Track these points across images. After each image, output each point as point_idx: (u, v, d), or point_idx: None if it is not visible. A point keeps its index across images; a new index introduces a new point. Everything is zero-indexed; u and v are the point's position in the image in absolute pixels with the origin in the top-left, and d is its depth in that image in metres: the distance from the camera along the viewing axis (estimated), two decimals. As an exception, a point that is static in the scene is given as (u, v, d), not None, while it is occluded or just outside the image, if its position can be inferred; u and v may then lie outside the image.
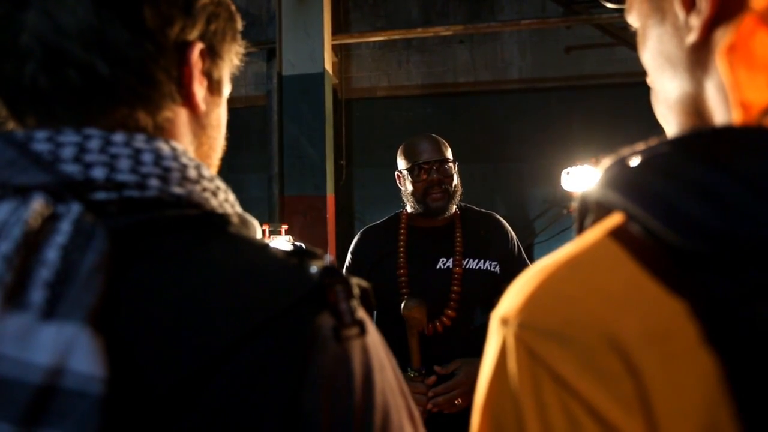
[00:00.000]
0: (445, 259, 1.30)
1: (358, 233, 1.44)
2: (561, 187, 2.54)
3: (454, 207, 1.33)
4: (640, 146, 0.29)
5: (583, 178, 2.41)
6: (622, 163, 0.28)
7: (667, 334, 0.24)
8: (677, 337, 0.24)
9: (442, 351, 1.28)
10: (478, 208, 1.42)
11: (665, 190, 0.25)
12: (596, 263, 0.27)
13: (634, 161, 0.28)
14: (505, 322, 0.28)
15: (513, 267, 1.30)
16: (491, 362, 0.28)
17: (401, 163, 1.36)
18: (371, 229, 1.43)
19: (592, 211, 0.30)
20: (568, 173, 2.47)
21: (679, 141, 0.27)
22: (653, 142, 0.29)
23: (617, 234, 0.28)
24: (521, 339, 0.27)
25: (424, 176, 1.30)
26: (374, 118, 3.55)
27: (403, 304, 1.21)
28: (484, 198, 3.30)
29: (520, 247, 1.38)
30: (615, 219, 0.28)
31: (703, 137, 0.27)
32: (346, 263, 1.42)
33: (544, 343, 0.26)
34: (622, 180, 0.28)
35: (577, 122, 3.24)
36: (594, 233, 0.29)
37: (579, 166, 2.46)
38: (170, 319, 0.29)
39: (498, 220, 1.39)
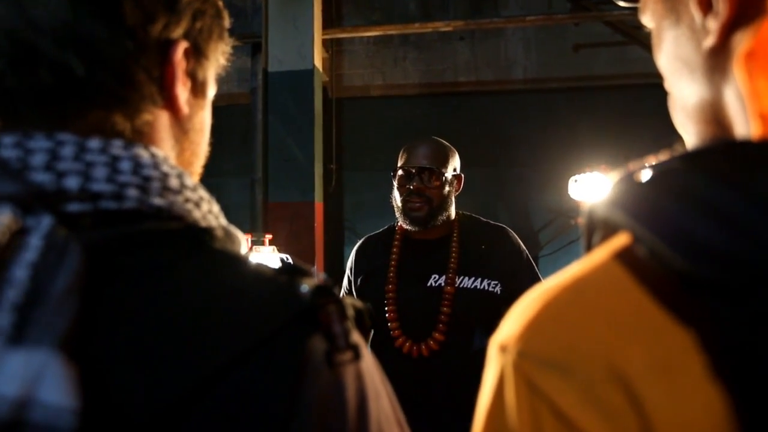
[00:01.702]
0: (437, 276, 1.30)
1: (357, 244, 1.46)
2: (568, 195, 2.56)
3: (450, 216, 1.33)
4: (650, 160, 0.29)
5: (592, 185, 2.43)
6: (629, 178, 0.29)
7: (672, 366, 0.25)
8: (683, 368, 0.25)
9: (428, 377, 1.26)
10: (485, 219, 1.41)
11: (673, 210, 0.26)
12: (601, 288, 0.28)
13: (643, 177, 0.28)
14: (503, 349, 0.28)
15: (521, 286, 1.27)
16: (489, 392, 0.29)
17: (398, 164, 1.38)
18: (368, 240, 1.45)
19: (599, 228, 0.30)
20: (575, 180, 2.49)
21: (690, 156, 0.28)
22: (664, 155, 0.29)
23: (623, 256, 0.28)
24: (520, 369, 0.27)
25: (406, 182, 1.31)
26: (367, 119, 3.56)
27: None
28: (485, 206, 3.32)
29: (532, 264, 1.36)
30: (622, 239, 0.29)
31: (716, 153, 0.27)
32: (345, 276, 1.44)
33: (544, 373, 0.26)
34: (628, 198, 0.28)
35: (586, 125, 3.27)
36: (600, 254, 0.29)
37: (588, 173, 2.48)
38: (150, 343, 0.29)
39: (505, 233, 1.37)
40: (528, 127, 3.38)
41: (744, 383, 0.23)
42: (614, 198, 0.29)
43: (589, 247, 0.31)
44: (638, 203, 0.27)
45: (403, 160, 1.34)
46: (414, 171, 1.30)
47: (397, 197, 1.34)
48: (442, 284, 1.29)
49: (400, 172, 1.33)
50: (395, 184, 1.34)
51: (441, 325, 1.26)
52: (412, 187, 1.30)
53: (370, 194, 3.46)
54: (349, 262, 1.43)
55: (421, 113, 3.50)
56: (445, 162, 1.34)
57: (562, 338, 0.27)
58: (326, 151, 3.35)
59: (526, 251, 1.37)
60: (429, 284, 1.30)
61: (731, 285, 0.24)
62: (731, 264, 0.24)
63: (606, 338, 0.26)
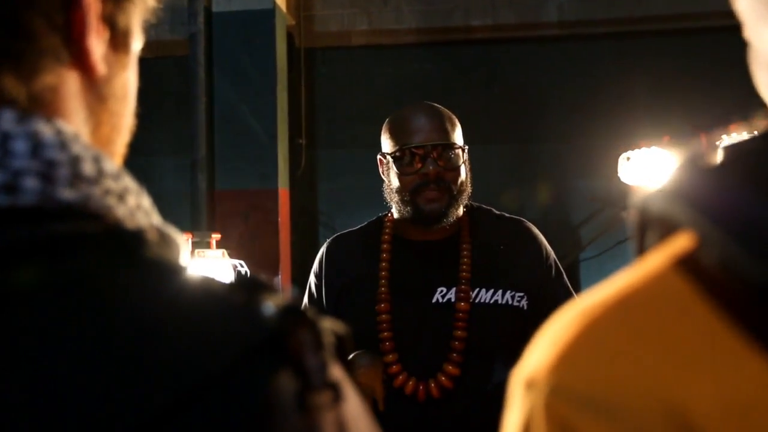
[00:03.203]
0: (445, 289, 1.30)
1: (324, 245, 1.44)
2: (618, 178, 2.59)
3: (460, 211, 1.33)
4: (723, 138, 0.30)
5: (650, 166, 2.45)
6: (695, 163, 0.30)
7: (751, 406, 0.26)
8: (763, 409, 0.26)
9: (440, 425, 1.26)
10: (498, 212, 1.42)
11: (754, 205, 0.27)
12: (657, 306, 0.29)
13: (714, 161, 0.29)
14: (530, 385, 0.29)
15: (548, 298, 1.29)
16: None
17: (386, 145, 1.36)
18: (342, 240, 1.43)
19: (655, 225, 0.31)
20: (628, 159, 2.51)
21: None
22: (742, 130, 0.30)
23: (686, 264, 0.29)
24: (553, 410, 0.28)
25: (418, 166, 1.29)
26: (348, 77, 3.56)
27: None
28: (506, 194, 3.34)
29: (560, 268, 1.38)
30: (684, 241, 0.30)
31: None
32: (307, 290, 1.43)
33: (584, 416, 0.27)
34: (693, 187, 0.29)
35: (642, 84, 3.29)
36: (655, 260, 0.30)
37: (644, 149, 2.50)
38: (59, 386, 0.29)
39: (527, 229, 1.39)
40: (564, 88, 3.39)
41: None
42: (675, 187, 0.30)
43: (641, 250, 0.32)
44: (707, 194, 0.28)
45: (402, 136, 1.32)
46: (432, 152, 1.28)
47: (398, 186, 1.31)
48: (453, 299, 1.28)
49: (400, 153, 1.30)
50: (394, 169, 1.32)
51: (455, 355, 1.26)
52: (428, 172, 1.28)
53: (352, 179, 3.46)
54: (316, 269, 1.41)
55: (420, 69, 3.50)
56: (456, 132, 1.33)
57: (606, 371, 0.27)
58: (293, 121, 3.34)
59: (551, 251, 1.38)
60: (435, 300, 1.30)
61: None
62: None
63: (664, 371, 0.27)
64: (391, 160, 1.33)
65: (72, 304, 0.31)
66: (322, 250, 1.43)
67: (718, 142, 0.30)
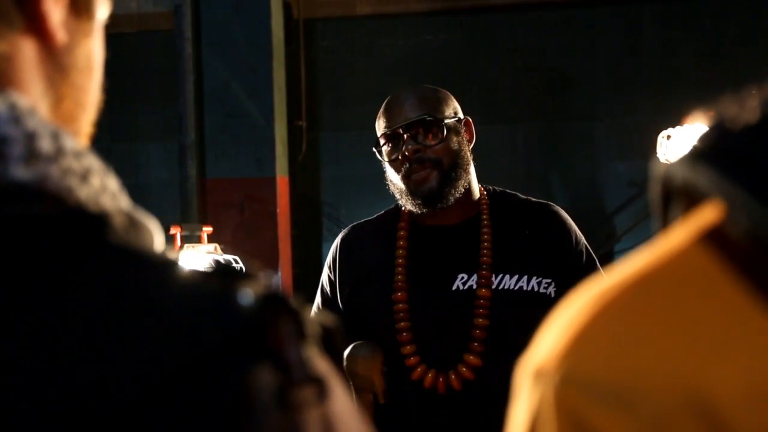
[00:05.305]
0: (465, 276, 1.34)
1: (339, 235, 1.50)
2: (657, 159, 2.57)
3: (462, 188, 1.36)
4: (753, 98, 0.30)
5: (692, 145, 2.43)
6: (722, 124, 0.30)
7: None
8: None
9: (461, 420, 1.29)
10: (524, 196, 1.45)
11: None
12: (679, 285, 0.29)
13: (742, 121, 0.29)
14: (539, 375, 0.29)
15: (578, 287, 1.31)
16: None
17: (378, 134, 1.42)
18: (358, 230, 1.49)
19: (678, 197, 0.31)
20: (668, 137, 2.49)
21: None
22: None
23: (712, 238, 0.29)
24: (564, 401, 0.28)
25: (396, 151, 1.35)
26: (353, 51, 3.55)
27: (346, 353, 1.26)
28: (531, 177, 3.33)
29: (592, 255, 1.40)
30: (710, 213, 0.30)
31: None
32: (321, 281, 1.49)
33: (598, 406, 0.27)
34: (720, 150, 0.29)
35: (686, 53, 3.26)
36: (678, 236, 0.30)
37: (686, 126, 2.48)
38: (10, 387, 0.29)
39: (555, 213, 1.42)
40: (597, 59, 3.37)
41: None
42: (699, 151, 0.30)
43: (665, 225, 0.32)
44: (735, 158, 0.28)
45: (382, 124, 1.39)
46: (401, 131, 1.34)
47: (394, 177, 1.37)
48: (474, 286, 1.32)
49: (383, 141, 1.38)
50: (385, 160, 1.39)
51: (476, 344, 1.29)
52: (407, 153, 1.33)
53: (359, 164, 3.46)
54: (330, 261, 1.47)
55: (434, 41, 3.48)
56: (438, 106, 1.38)
57: (623, 357, 0.28)
58: (292, 101, 3.35)
59: (582, 237, 1.41)
60: (455, 287, 1.33)
61: None
62: None
63: (687, 356, 0.27)
64: (380, 152, 1.39)
65: (24, 294, 0.31)
66: (337, 240, 1.49)
67: (749, 103, 0.30)
